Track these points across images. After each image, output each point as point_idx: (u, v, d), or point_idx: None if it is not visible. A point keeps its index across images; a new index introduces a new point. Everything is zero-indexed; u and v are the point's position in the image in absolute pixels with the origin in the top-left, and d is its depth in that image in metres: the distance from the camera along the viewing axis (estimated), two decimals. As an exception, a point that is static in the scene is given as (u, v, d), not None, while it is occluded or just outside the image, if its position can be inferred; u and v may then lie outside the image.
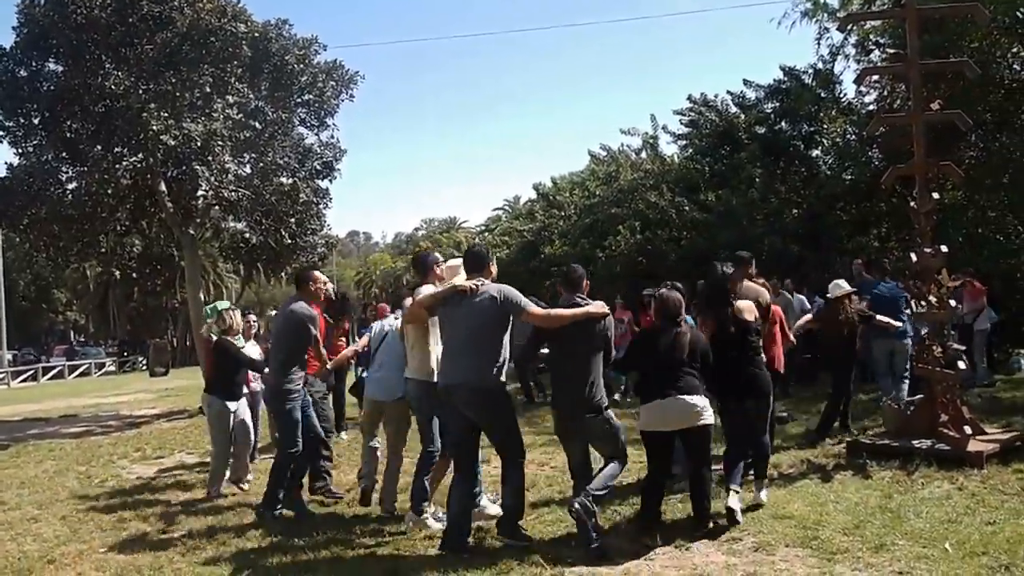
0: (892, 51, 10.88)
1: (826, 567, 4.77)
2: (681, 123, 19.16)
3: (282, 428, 6.51)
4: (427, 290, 5.82)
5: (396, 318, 6.63)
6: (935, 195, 7.67)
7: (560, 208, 22.62)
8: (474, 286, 5.37)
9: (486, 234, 44.55)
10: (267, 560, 5.42)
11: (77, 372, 39.92)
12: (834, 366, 8.94)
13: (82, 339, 65.56)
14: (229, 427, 7.60)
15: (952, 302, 7.60)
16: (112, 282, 43.84)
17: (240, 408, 7.75)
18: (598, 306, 5.50)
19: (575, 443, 5.62)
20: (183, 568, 5.38)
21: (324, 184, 17.19)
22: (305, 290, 6.65)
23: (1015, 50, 14.30)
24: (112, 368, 43.99)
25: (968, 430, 7.02)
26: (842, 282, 8.65)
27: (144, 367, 38.89)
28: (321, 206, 17.15)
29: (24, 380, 36.16)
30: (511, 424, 5.51)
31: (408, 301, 6.38)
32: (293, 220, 16.85)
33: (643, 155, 21.09)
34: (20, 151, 15.27)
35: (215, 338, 7.70)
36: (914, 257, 7.55)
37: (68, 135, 15.11)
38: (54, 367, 40.23)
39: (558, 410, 5.66)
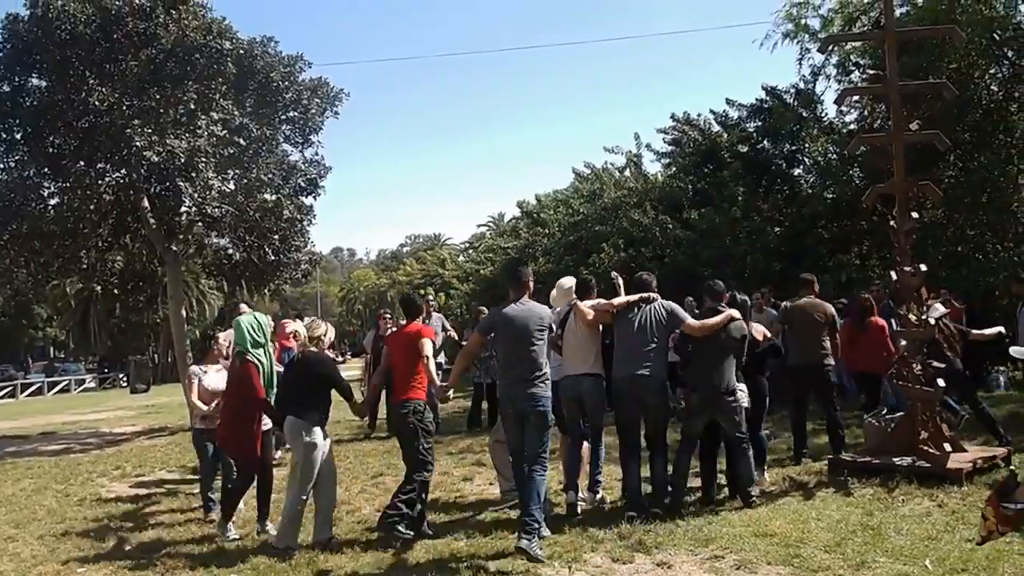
0: (872, 71, 11.00)
1: (808, 585, 4.78)
2: (664, 141, 19.31)
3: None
4: (587, 305, 6.84)
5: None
6: (915, 214, 7.77)
7: (544, 225, 22.66)
8: (652, 297, 6.70)
9: (470, 251, 44.63)
10: (247, 580, 5.39)
11: (57, 389, 39.54)
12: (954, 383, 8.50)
13: (62, 356, 64.94)
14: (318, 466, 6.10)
15: (931, 320, 7.66)
16: (93, 298, 43.50)
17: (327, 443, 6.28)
18: (733, 313, 6.75)
19: (703, 421, 6.72)
20: (162, 588, 5.33)
21: (308, 201, 17.13)
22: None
23: (992, 71, 14.54)
24: (92, 385, 43.57)
25: (948, 447, 7.08)
26: (939, 305, 8.67)
27: (125, 384, 38.56)
28: (305, 223, 17.09)
29: (2, 397, 35.75)
30: (668, 411, 6.76)
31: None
32: (277, 237, 16.79)
33: (627, 173, 21.21)
34: (2, 166, 15.20)
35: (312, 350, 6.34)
36: (894, 276, 7.63)
37: (51, 150, 15.02)
38: (33, 384, 39.83)
39: (699, 393, 6.74)
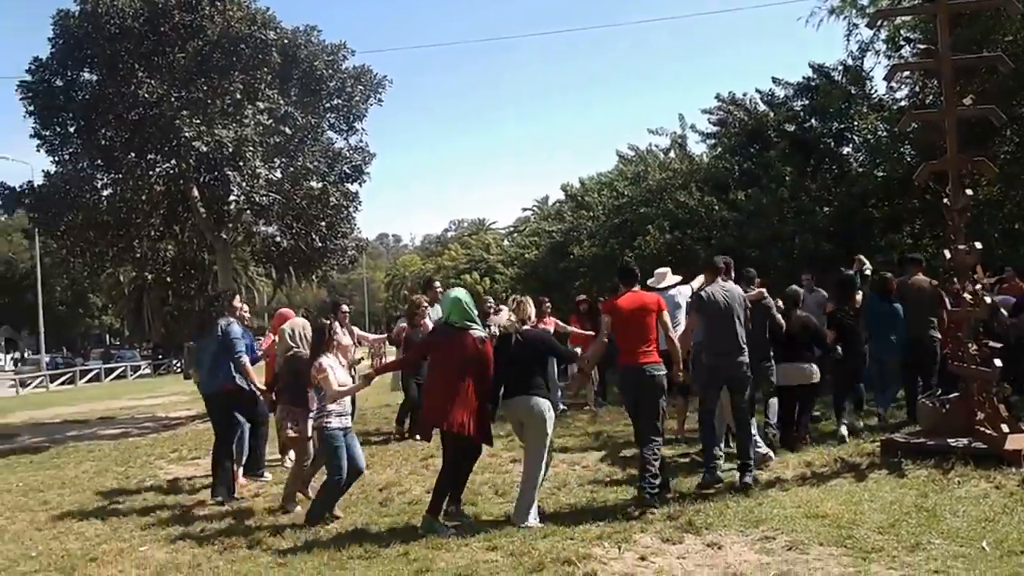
0: (923, 46, 10.73)
1: (860, 566, 4.74)
2: (709, 122, 19.07)
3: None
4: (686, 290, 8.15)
5: None
6: (969, 191, 7.58)
7: (588, 208, 22.55)
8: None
9: (515, 235, 44.61)
10: (302, 558, 5.50)
11: (113, 375, 40.55)
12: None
13: (117, 343, 66.64)
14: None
15: (988, 299, 7.49)
16: (146, 286, 44.45)
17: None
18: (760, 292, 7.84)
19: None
20: (221, 566, 5.47)
21: (353, 188, 17.34)
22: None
23: (1051, 42, 14.08)
24: (147, 371, 44.65)
25: (1005, 428, 6.93)
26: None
27: (178, 370, 39.40)
28: (351, 209, 17.29)
29: (62, 383, 36.79)
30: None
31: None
32: (323, 223, 17.02)
33: (671, 155, 20.97)
34: (57, 159, 15.57)
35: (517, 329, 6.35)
36: (948, 254, 7.47)
37: (103, 143, 15.38)
38: (91, 370, 40.91)
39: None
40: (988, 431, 6.95)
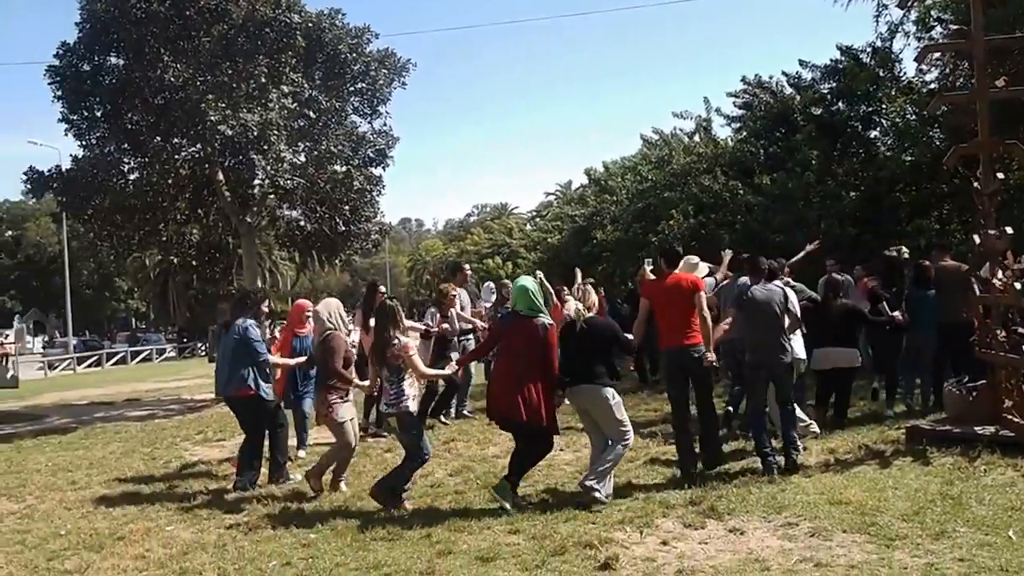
0: (955, 27, 10.54)
1: (884, 553, 4.71)
2: (735, 105, 18.91)
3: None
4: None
5: None
6: (1000, 175, 7.46)
7: (612, 193, 22.47)
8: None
9: (537, 220, 44.56)
10: (325, 539, 5.55)
11: (139, 358, 41.06)
12: None
13: (143, 326, 67.43)
14: None
15: (1017, 285, 7.39)
16: (172, 270, 44.90)
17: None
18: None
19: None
20: (246, 546, 5.54)
21: (377, 172, 17.36)
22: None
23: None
24: (172, 354, 45.16)
25: (1034, 416, 6.85)
26: None
27: (203, 353, 39.82)
28: (374, 193, 17.32)
29: (89, 366, 37.31)
30: None
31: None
32: (347, 208, 17.07)
33: (696, 138, 20.82)
34: (84, 143, 15.72)
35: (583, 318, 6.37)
36: (978, 239, 7.36)
37: (129, 127, 15.52)
38: (117, 353, 41.45)
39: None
40: (1016, 419, 6.87)
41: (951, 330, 8.72)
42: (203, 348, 41.89)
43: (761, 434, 6.80)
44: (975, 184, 7.42)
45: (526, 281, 6.42)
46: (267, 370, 7.39)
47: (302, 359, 7.99)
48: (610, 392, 6.22)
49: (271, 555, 5.33)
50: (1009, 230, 7.28)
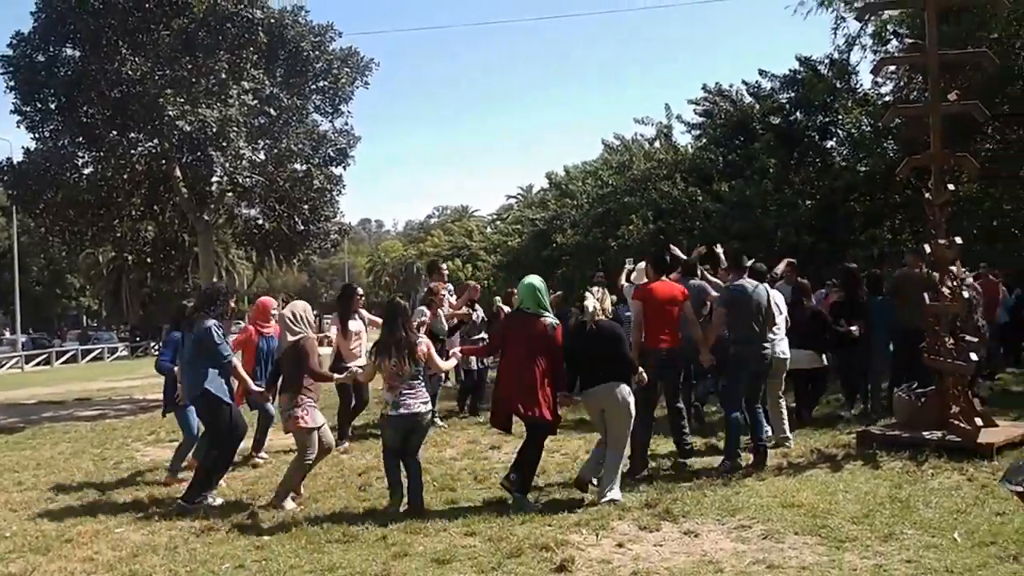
0: (910, 40, 10.80)
1: (835, 555, 4.79)
2: (695, 113, 19.13)
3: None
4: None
5: None
6: (950, 187, 7.65)
7: (573, 197, 22.57)
8: None
9: (498, 223, 44.58)
10: (279, 541, 5.49)
11: (90, 357, 40.25)
12: None
13: (95, 324, 66.03)
14: None
15: (965, 294, 7.57)
16: (125, 268, 44.08)
17: None
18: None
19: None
20: (198, 548, 5.45)
21: (338, 171, 17.25)
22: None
23: (1034, 41, 14.18)
24: (124, 353, 44.32)
25: (979, 422, 7.03)
26: None
27: (156, 352, 39.09)
28: (334, 193, 17.21)
29: (37, 364, 36.47)
30: None
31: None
32: (306, 207, 16.93)
33: (657, 144, 21.01)
34: (37, 136, 15.39)
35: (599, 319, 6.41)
36: (928, 249, 7.54)
37: (84, 120, 15.22)
38: (67, 351, 40.58)
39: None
40: (962, 424, 7.04)
41: (910, 335, 8.81)
42: (156, 347, 41.13)
43: (735, 432, 7.09)
44: (927, 195, 7.59)
45: (534, 280, 6.43)
46: (228, 373, 6.92)
47: (258, 387, 7.56)
48: (626, 391, 6.22)
49: (224, 557, 5.24)
50: (958, 240, 7.46)
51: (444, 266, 11.64)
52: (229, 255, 47.96)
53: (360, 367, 7.42)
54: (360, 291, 9.89)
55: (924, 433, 7.20)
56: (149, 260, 19.58)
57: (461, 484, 6.96)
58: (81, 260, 47.46)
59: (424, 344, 6.30)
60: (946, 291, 7.38)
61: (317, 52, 16.18)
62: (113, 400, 16.71)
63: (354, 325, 8.94)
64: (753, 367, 7.22)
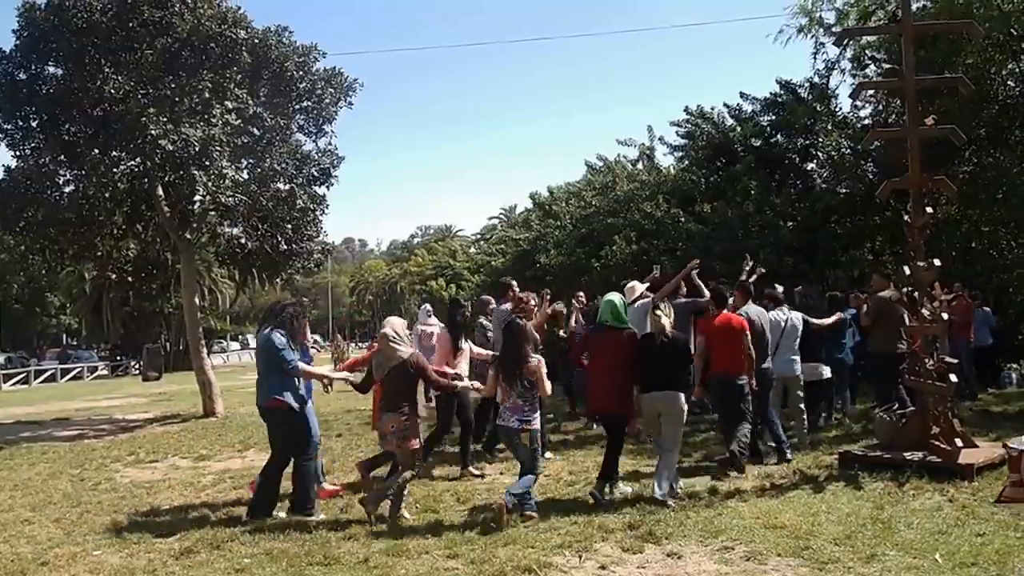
0: (888, 66, 10.99)
1: (817, 576, 4.80)
2: (678, 135, 19.29)
3: None
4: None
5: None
6: (929, 209, 7.74)
7: (556, 218, 22.66)
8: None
9: (481, 243, 44.64)
10: (259, 564, 5.43)
11: (69, 376, 39.78)
12: None
13: (75, 343, 65.34)
14: None
15: (944, 315, 7.65)
16: (107, 286, 43.73)
17: None
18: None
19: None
20: (176, 571, 5.38)
21: (321, 190, 17.16)
22: None
23: (1009, 66, 14.45)
24: (105, 372, 43.82)
25: (959, 443, 7.07)
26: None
27: (137, 371, 38.78)
28: (318, 212, 17.10)
29: (15, 383, 36.01)
30: None
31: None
32: (290, 226, 16.82)
33: (639, 166, 21.18)
34: (18, 154, 15.23)
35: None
36: (907, 271, 7.62)
37: (66, 138, 15.08)
38: (46, 370, 40.09)
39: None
40: (942, 445, 7.09)
41: (887, 359, 9.01)
42: (137, 366, 40.76)
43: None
44: (906, 217, 7.68)
45: (614, 297, 7.31)
46: (297, 380, 6.85)
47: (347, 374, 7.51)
48: (683, 399, 6.89)
49: (203, 580, 5.19)
50: (937, 262, 7.55)
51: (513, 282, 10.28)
52: (212, 274, 47.69)
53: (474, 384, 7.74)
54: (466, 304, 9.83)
55: (905, 454, 7.24)
56: (131, 279, 19.38)
57: (444, 506, 6.93)
58: (62, 278, 47.00)
59: (536, 364, 6.64)
60: (926, 312, 7.45)
61: (301, 72, 16.15)
62: (92, 420, 16.51)
63: (464, 344, 8.66)
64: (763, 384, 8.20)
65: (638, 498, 6.76)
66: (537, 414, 6.69)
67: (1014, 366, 13.87)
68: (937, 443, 7.14)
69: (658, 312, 7.00)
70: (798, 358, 8.95)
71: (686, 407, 6.93)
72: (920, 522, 5.70)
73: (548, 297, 9.84)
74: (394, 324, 6.72)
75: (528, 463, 6.58)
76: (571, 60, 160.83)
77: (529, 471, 6.54)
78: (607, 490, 6.90)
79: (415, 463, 6.62)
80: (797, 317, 9.07)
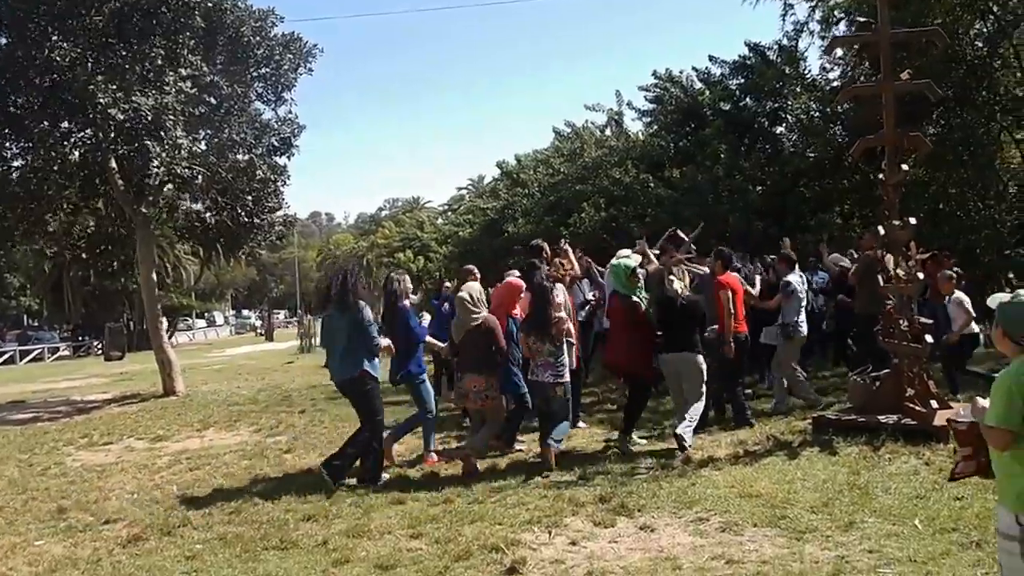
0: (862, 19, 10.76)
1: (795, 546, 4.63)
2: (646, 99, 18.96)
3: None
4: None
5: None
6: (904, 167, 7.56)
7: (524, 186, 22.30)
8: None
9: (449, 213, 44.23)
10: (212, 550, 5.16)
11: (29, 357, 38.95)
12: None
13: (36, 324, 64.02)
14: None
15: (920, 275, 7.50)
16: (67, 265, 42.70)
17: None
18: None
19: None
20: (123, 560, 5.09)
21: (282, 161, 16.68)
22: None
23: (977, 27, 14.32)
24: (66, 353, 43.00)
25: (934, 404, 6.94)
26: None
27: (100, 351, 38.05)
28: (279, 183, 16.63)
29: (-28, 366, 35.19)
30: None
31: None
32: (250, 198, 16.34)
33: (608, 132, 20.86)
34: (-39, 127, 14.60)
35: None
36: (882, 230, 7.43)
37: (12, 110, 14.46)
38: (5, 352, 39.21)
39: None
40: (917, 407, 6.96)
41: (869, 321, 8.87)
42: (99, 347, 39.98)
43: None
44: (880, 175, 7.49)
45: (619, 263, 7.63)
46: (377, 353, 6.99)
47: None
48: (700, 358, 7.33)
49: (151, 570, 4.90)
50: (913, 220, 7.38)
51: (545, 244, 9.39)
52: (175, 250, 46.71)
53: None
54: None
55: (880, 417, 7.11)
56: (86, 256, 18.80)
57: (408, 484, 6.66)
58: (20, 259, 45.79)
59: (563, 321, 7.13)
60: (901, 272, 7.29)
61: (258, 38, 15.60)
62: (49, 402, 16.01)
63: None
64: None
65: (609, 470, 6.56)
66: (566, 369, 7.15)
67: (982, 327, 13.86)
68: (912, 405, 7.01)
69: (671, 277, 7.42)
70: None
71: (704, 365, 7.33)
72: (898, 487, 5.55)
73: (581, 255, 9.76)
74: (472, 288, 7.25)
75: (563, 413, 7.12)
76: (538, 28, 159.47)
77: (564, 419, 7.10)
78: (629, 440, 7.42)
79: (501, 413, 7.37)
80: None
